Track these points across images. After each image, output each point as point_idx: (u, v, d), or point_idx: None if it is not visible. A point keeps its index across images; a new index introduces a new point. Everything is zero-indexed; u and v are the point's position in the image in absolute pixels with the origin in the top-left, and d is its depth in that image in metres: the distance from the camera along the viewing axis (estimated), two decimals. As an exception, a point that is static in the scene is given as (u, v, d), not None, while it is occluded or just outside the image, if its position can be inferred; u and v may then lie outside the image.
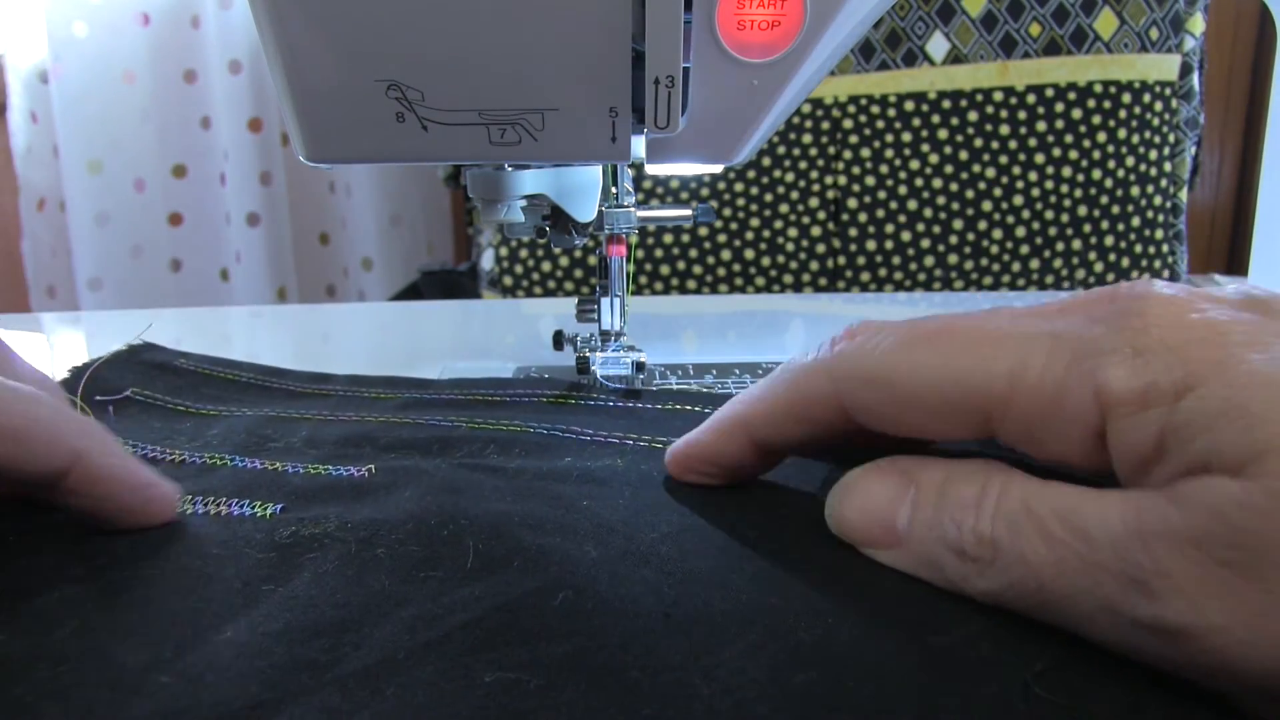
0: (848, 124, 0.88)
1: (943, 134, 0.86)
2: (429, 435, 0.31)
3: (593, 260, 0.92)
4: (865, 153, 0.87)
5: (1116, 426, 0.18)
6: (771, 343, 0.55)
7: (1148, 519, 0.16)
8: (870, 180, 0.87)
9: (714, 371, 0.42)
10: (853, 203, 0.88)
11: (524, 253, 0.94)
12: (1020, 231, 0.85)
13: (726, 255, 0.90)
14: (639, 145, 0.30)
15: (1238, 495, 0.15)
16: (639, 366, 0.37)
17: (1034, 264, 0.85)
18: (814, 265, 0.89)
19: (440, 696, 0.17)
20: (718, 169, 0.36)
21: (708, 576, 0.21)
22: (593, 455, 0.30)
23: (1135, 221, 0.85)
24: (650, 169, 0.31)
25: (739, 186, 0.89)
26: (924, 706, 0.17)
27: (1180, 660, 0.16)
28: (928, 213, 0.87)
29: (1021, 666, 0.18)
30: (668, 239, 0.90)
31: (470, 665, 0.18)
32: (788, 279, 0.90)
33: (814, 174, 0.88)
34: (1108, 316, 0.19)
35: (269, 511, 0.25)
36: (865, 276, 0.89)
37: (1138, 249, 0.85)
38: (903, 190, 0.87)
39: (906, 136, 0.86)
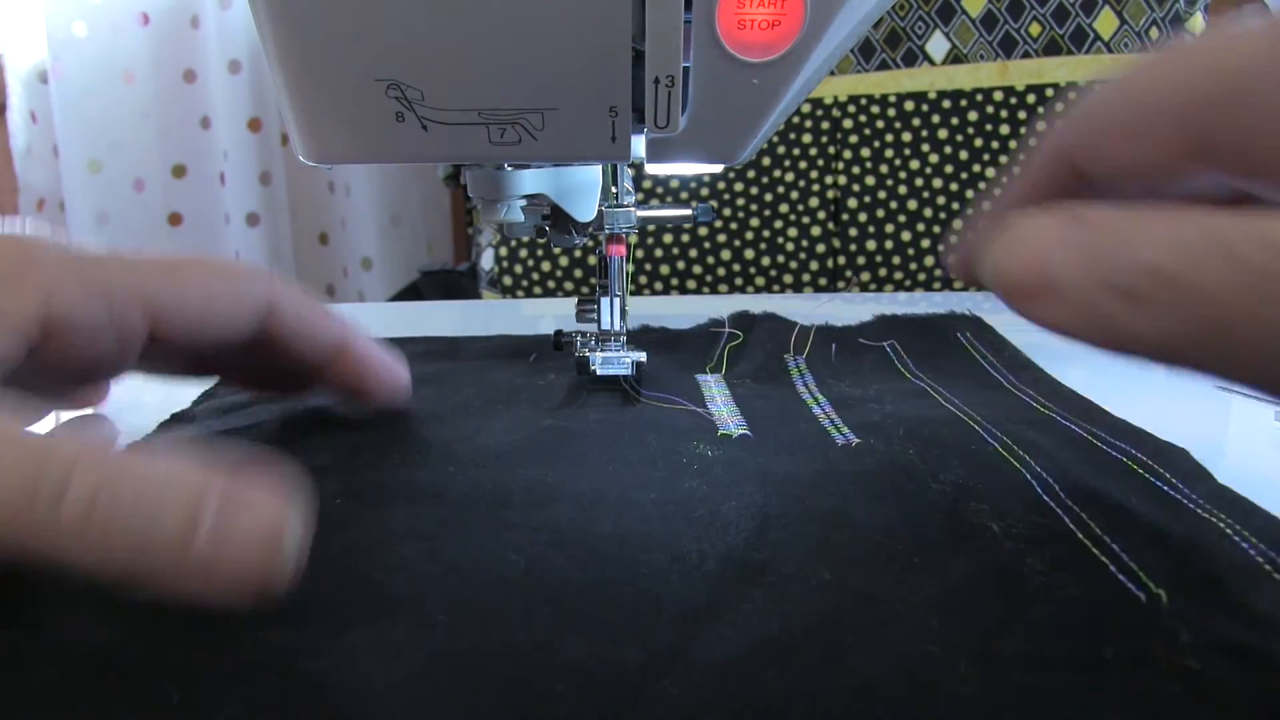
0: (848, 124, 0.88)
1: (943, 134, 0.86)
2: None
3: (592, 260, 0.91)
4: (865, 153, 0.87)
5: None
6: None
7: None
8: (870, 180, 0.87)
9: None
10: (853, 203, 0.88)
11: (524, 253, 0.94)
12: (1020, 231, 0.85)
13: (726, 255, 0.89)
14: (639, 145, 0.29)
15: None
16: (639, 366, 0.37)
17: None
18: (814, 265, 0.89)
19: (481, 539, 0.23)
20: (718, 169, 0.36)
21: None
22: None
23: (1135, 221, 0.85)
24: (650, 169, 0.31)
25: (739, 186, 0.89)
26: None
27: None
28: (928, 213, 0.87)
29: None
30: (668, 239, 0.90)
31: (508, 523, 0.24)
32: (788, 279, 0.90)
33: (814, 174, 0.88)
34: None
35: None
36: (865, 276, 0.89)
37: (1138, 249, 0.85)
38: (903, 190, 0.87)
39: (906, 136, 0.86)
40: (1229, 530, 0.22)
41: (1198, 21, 0.84)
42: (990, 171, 0.85)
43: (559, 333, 0.41)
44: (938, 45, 0.86)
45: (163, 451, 0.19)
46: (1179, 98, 0.17)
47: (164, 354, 0.27)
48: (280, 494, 0.19)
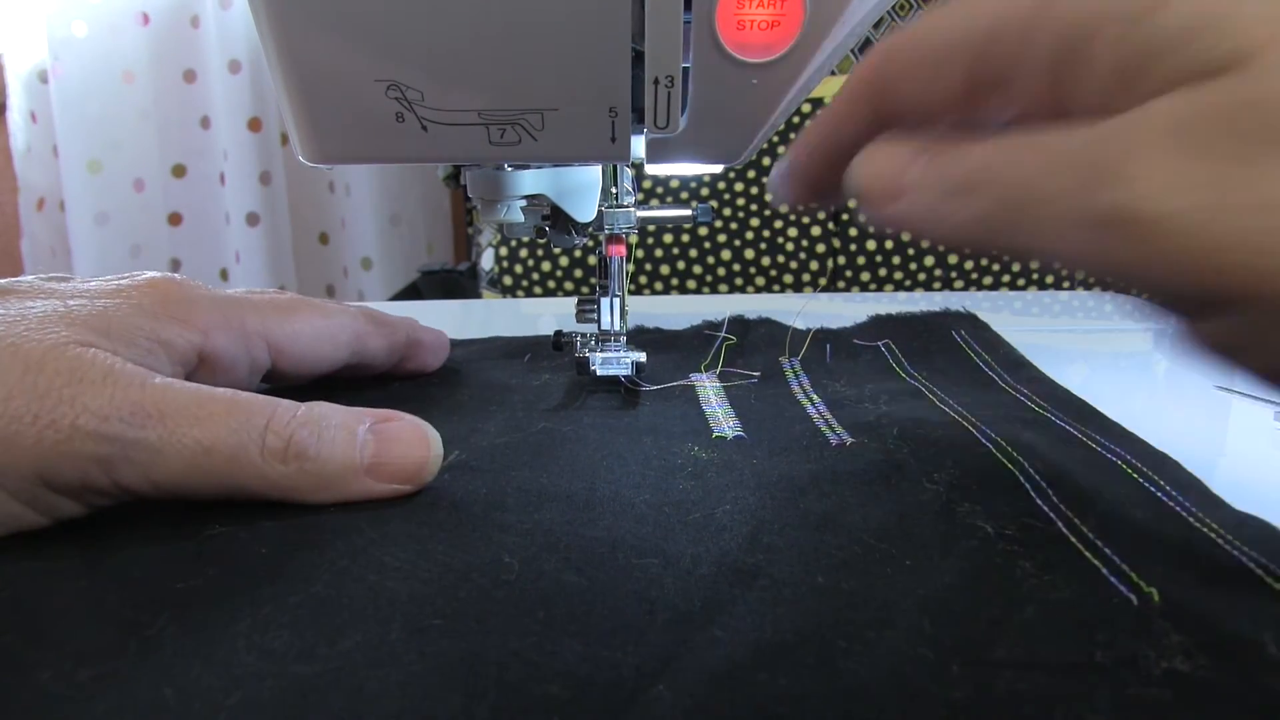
0: (847, 124, 0.88)
1: (942, 134, 0.86)
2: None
3: (592, 260, 0.92)
4: (865, 153, 0.87)
5: (1084, 55, 0.18)
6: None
7: (1120, 123, 0.17)
8: (870, 180, 0.87)
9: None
10: (853, 203, 0.88)
11: (524, 253, 0.94)
12: (1020, 231, 0.85)
13: (726, 255, 0.89)
14: (639, 145, 0.29)
15: (1231, 88, 0.15)
16: (638, 367, 0.37)
17: (1034, 263, 0.85)
18: (814, 265, 0.89)
19: (475, 541, 0.23)
20: (718, 169, 0.36)
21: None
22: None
23: (1135, 221, 0.85)
24: (650, 169, 0.31)
25: (739, 186, 0.89)
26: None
27: (1127, 257, 0.17)
28: (927, 213, 0.87)
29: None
30: (668, 239, 0.90)
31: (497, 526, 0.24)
32: (788, 279, 0.90)
33: (814, 174, 0.88)
34: None
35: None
36: (865, 276, 0.89)
37: (1137, 249, 0.85)
38: (902, 190, 0.87)
39: (906, 136, 0.86)
40: (1219, 537, 0.22)
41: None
42: (990, 171, 0.85)
43: (559, 333, 0.41)
44: (938, 45, 0.86)
45: (320, 403, 0.25)
46: (962, 42, 0.20)
47: (277, 379, 0.33)
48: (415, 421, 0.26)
